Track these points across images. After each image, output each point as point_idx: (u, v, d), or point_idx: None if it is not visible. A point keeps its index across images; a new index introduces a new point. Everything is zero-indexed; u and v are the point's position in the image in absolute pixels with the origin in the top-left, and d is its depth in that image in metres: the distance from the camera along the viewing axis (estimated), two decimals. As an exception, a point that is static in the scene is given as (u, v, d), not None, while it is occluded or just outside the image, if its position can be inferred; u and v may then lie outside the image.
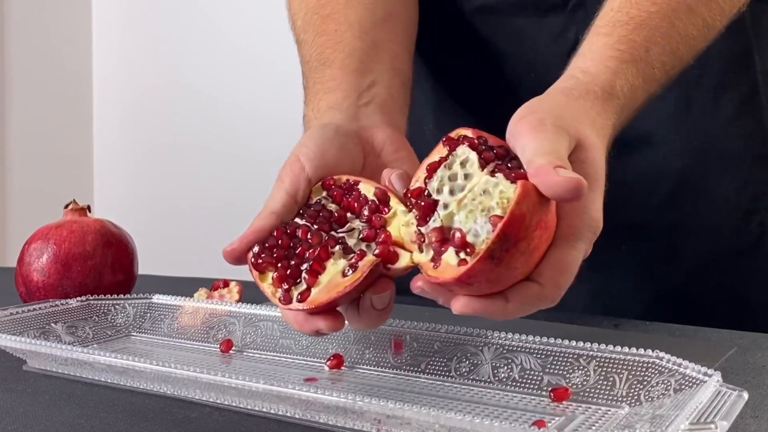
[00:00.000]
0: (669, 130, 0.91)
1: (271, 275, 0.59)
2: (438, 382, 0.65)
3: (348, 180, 0.64)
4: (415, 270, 0.58)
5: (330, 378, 0.67)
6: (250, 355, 0.74)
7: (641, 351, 0.59)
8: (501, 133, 0.59)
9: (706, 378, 0.54)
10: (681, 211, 0.92)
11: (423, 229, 0.57)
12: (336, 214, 0.62)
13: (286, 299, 0.58)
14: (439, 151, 0.59)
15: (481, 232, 0.53)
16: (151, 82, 2.68)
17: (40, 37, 2.62)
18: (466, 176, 0.56)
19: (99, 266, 0.85)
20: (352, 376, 0.67)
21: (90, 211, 0.90)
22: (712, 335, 0.79)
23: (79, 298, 0.79)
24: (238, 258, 0.61)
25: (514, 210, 0.51)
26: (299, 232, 0.60)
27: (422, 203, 0.57)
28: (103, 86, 2.77)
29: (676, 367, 0.57)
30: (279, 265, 0.59)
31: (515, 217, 0.51)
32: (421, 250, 0.57)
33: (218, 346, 0.75)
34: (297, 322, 0.60)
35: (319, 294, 0.57)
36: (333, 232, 0.60)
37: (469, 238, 0.53)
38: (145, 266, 0.94)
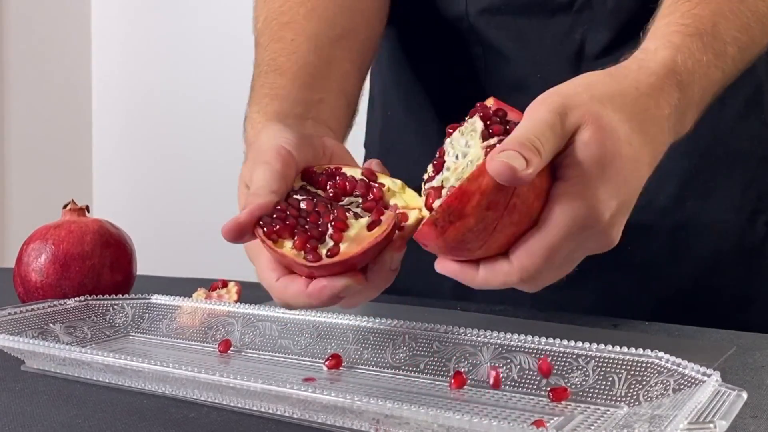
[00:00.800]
0: None
1: (288, 242, 0.58)
2: (437, 382, 0.65)
3: (329, 167, 0.66)
4: None
5: (328, 378, 0.67)
6: (249, 355, 0.73)
7: (640, 351, 0.59)
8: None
9: (705, 378, 0.54)
10: (687, 211, 0.92)
11: (426, 186, 0.59)
12: (331, 193, 0.64)
13: (316, 257, 0.57)
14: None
15: None
16: (150, 83, 2.68)
17: (40, 38, 2.62)
18: (469, 144, 0.57)
19: (97, 266, 0.85)
20: (351, 376, 0.67)
21: (88, 212, 0.90)
22: (711, 335, 0.79)
23: (77, 299, 0.79)
24: (243, 232, 0.59)
25: (464, 185, 0.53)
26: (303, 205, 0.61)
27: (435, 162, 0.60)
28: (102, 87, 2.77)
29: (675, 367, 0.57)
30: (295, 230, 0.59)
31: (462, 193, 0.53)
32: None
33: (216, 346, 0.75)
34: (310, 295, 0.58)
35: (350, 247, 0.57)
36: (335, 204, 0.62)
37: (436, 203, 0.56)
38: (143, 266, 0.94)
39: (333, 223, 0.59)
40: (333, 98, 0.78)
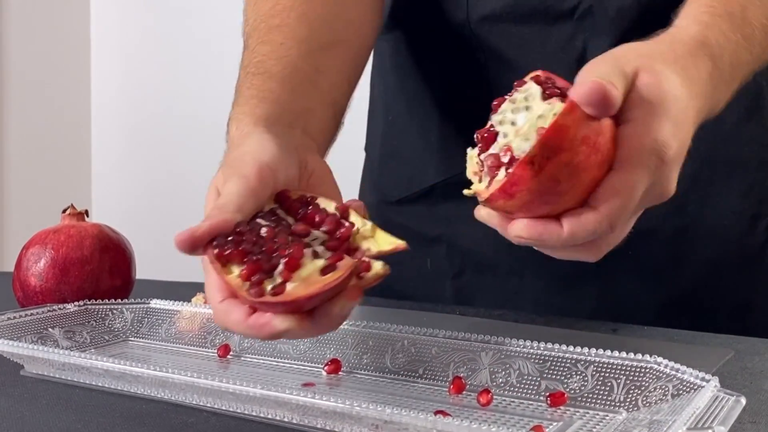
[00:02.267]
0: None
1: (236, 268, 0.56)
2: (435, 387, 0.65)
3: (305, 195, 0.63)
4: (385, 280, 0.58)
5: (327, 383, 0.67)
6: (248, 360, 0.73)
7: (639, 356, 0.59)
8: None
9: (704, 383, 0.54)
10: (688, 216, 0.92)
11: (482, 157, 0.57)
12: (294, 223, 0.61)
13: (258, 293, 0.54)
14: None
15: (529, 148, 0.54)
16: (150, 88, 2.68)
17: (39, 41, 2.62)
18: (528, 108, 0.57)
19: (97, 271, 0.85)
20: (350, 381, 0.67)
21: (88, 216, 0.90)
22: (710, 340, 0.79)
23: (76, 303, 0.79)
24: (196, 246, 0.57)
25: (558, 119, 0.53)
26: (264, 232, 0.58)
27: (485, 135, 0.58)
28: (101, 91, 2.77)
29: (673, 373, 0.57)
30: (245, 258, 0.56)
31: (557, 126, 0.53)
32: (480, 181, 0.58)
33: (216, 351, 0.75)
34: (250, 327, 0.55)
35: (297, 289, 0.54)
36: (296, 237, 0.59)
37: (517, 154, 0.55)
38: (142, 271, 0.94)
39: (285, 260, 0.56)
40: (321, 109, 0.77)
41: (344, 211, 0.61)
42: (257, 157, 0.63)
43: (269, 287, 0.54)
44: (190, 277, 1.14)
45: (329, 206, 0.61)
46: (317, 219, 0.60)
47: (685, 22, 0.65)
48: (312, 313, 0.56)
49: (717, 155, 0.91)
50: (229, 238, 0.57)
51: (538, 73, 0.60)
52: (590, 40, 0.89)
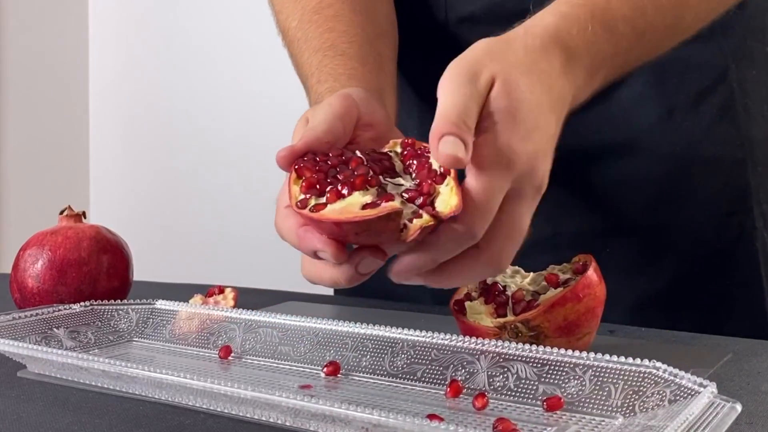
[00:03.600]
0: (652, 137, 0.93)
1: (302, 182, 0.61)
2: (433, 391, 0.64)
3: (423, 146, 0.64)
4: None
5: (325, 385, 0.67)
6: (249, 361, 0.73)
7: (637, 361, 0.58)
8: None
9: (701, 389, 0.53)
10: (664, 214, 0.94)
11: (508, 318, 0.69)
12: (395, 168, 0.63)
13: (302, 204, 0.59)
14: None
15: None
16: (148, 88, 2.67)
17: (37, 42, 2.63)
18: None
19: (94, 272, 0.84)
20: (348, 384, 0.67)
21: (85, 217, 0.90)
22: (707, 341, 0.79)
23: (82, 303, 0.79)
24: (294, 160, 0.62)
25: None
26: (351, 161, 0.62)
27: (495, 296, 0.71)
28: (99, 92, 2.77)
29: (672, 378, 0.56)
30: (312, 175, 0.61)
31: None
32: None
33: (218, 352, 0.75)
34: (298, 236, 0.60)
35: (331, 212, 0.58)
36: (381, 177, 0.61)
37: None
38: (140, 272, 0.94)
39: (338, 185, 0.59)
40: (389, 91, 0.80)
41: (447, 171, 0.61)
42: (344, 92, 0.68)
43: (313, 203, 0.59)
44: (187, 279, 1.14)
45: (436, 164, 0.62)
46: (417, 170, 0.62)
47: (540, 15, 0.68)
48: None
49: (691, 154, 0.94)
50: (317, 158, 0.62)
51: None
52: None
